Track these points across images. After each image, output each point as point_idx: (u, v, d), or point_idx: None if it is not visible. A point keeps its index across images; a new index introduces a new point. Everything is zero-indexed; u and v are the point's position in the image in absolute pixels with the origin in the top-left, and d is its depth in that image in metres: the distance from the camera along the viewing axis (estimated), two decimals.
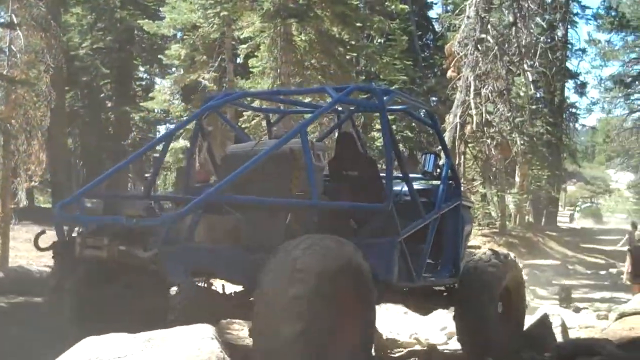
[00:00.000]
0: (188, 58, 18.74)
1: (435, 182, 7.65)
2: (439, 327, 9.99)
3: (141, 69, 33.61)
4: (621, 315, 9.07)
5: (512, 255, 8.61)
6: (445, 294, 7.65)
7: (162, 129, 40.57)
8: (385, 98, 6.64)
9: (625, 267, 16.14)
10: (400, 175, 7.01)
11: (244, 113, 18.85)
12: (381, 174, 6.63)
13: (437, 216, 7.07)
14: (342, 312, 5.06)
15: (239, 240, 5.66)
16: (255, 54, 19.42)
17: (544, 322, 9.03)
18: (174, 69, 24.93)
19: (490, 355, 7.15)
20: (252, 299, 4.98)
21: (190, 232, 5.45)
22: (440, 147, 8.56)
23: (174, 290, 6.55)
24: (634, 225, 17.80)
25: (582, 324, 10.99)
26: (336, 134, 8.07)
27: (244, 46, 18.79)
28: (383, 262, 6.12)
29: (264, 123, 9.30)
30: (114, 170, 7.16)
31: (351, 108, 7.56)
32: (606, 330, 8.95)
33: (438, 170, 7.62)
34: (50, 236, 5.63)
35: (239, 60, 23.51)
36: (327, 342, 4.86)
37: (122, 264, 5.38)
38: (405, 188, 6.85)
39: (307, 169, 5.78)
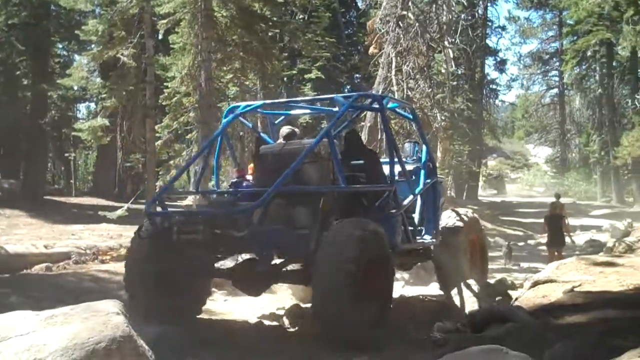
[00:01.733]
0: (106, 34, 18.26)
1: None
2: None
3: (59, 45, 32.64)
4: (535, 284, 9.27)
5: (471, 212, 11.46)
6: (421, 251, 9.67)
7: (81, 107, 39.79)
8: (384, 102, 8.89)
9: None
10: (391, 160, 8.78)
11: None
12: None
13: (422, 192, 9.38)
14: (374, 266, 7.03)
15: (287, 222, 7.59)
16: (176, 29, 19.10)
17: (459, 293, 9.28)
18: (93, 46, 24.30)
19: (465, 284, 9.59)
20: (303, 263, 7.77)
21: (263, 217, 7.51)
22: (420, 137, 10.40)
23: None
24: (557, 196, 18.36)
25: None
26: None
27: (164, 22, 18.43)
28: (390, 230, 8.03)
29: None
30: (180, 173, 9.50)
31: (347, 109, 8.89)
32: (520, 298, 9.16)
33: (418, 154, 9.92)
34: None
35: (159, 36, 23.14)
36: (367, 287, 6.77)
37: (213, 244, 7.56)
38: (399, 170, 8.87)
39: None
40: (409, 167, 9.44)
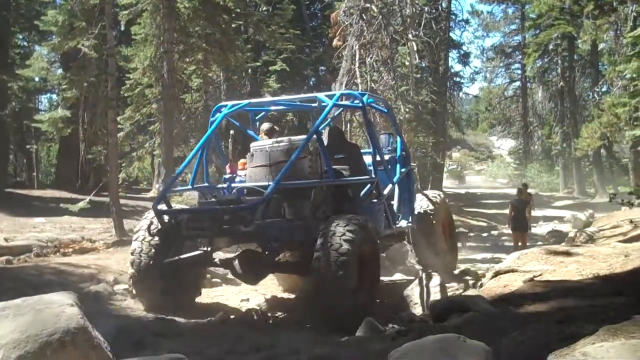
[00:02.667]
0: (66, 24, 17.96)
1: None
2: None
3: (19, 36, 32.14)
4: (496, 274, 9.39)
5: (441, 194, 12.51)
6: (395, 233, 10.38)
7: (43, 99, 39.24)
8: (364, 99, 9.70)
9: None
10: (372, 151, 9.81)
11: None
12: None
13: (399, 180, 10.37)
14: (366, 256, 7.90)
15: (282, 215, 8.38)
16: (138, 20, 18.91)
17: (420, 283, 9.34)
18: (53, 36, 23.93)
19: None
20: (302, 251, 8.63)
21: (265, 212, 8.22)
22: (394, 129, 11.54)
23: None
24: (525, 186, 18.67)
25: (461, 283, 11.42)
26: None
27: (125, 12, 18.21)
28: (374, 218, 8.95)
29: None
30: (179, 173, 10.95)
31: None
32: (482, 288, 9.25)
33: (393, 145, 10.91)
34: None
35: (121, 27, 22.88)
36: (360, 275, 7.67)
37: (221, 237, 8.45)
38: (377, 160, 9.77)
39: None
40: (386, 157, 10.29)
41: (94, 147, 21.75)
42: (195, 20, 19.49)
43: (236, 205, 8.41)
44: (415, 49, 25.59)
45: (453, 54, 42.09)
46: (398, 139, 10.80)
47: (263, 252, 8.36)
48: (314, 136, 8.82)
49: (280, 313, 9.55)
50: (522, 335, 4.64)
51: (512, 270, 9.20)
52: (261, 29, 24.35)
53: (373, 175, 9.46)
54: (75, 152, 26.10)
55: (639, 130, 19.13)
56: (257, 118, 11.17)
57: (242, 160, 10.12)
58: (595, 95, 40.63)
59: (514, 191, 21.61)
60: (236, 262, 8.74)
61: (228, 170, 10.12)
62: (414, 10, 23.33)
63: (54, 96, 34.34)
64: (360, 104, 9.74)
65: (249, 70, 30.34)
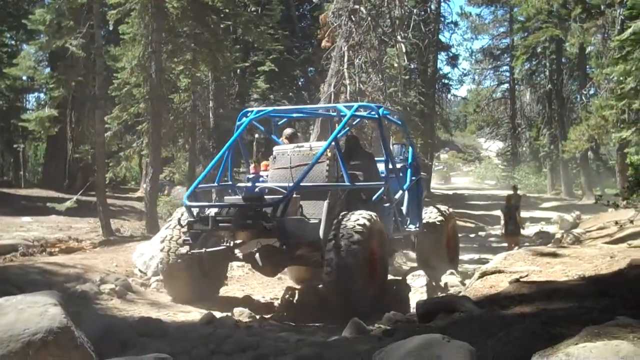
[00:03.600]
0: (54, 23, 17.86)
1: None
2: None
3: (7, 34, 31.97)
4: (483, 274, 9.39)
5: (450, 209, 13.52)
6: (403, 240, 11.52)
7: (31, 98, 39.02)
8: (380, 111, 10.73)
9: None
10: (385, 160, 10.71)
11: None
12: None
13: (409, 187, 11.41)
14: (375, 249, 9.03)
15: (300, 214, 9.30)
16: (126, 20, 18.82)
17: (407, 284, 9.36)
18: (42, 35, 23.81)
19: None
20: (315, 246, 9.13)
21: (285, 210, 8.87)
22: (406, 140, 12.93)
23: None
24: (515, 188, 18.79)
25: (447, 284, 11.46)
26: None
27: (114, 12, 18.12)
28: (385, 220, 9.85)
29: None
30: (206, 172, 10.91)
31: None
32: (468, 288, 9.26)
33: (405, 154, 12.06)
34: None
35: (110, 26, 22.78)
36: (371, 266, 8.77)
37: (245, 232, 9.17)
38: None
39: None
40: (397, 166, 11.28)
41: (82, 146, 21.66)
42: (183, 20, 19.45)
43: (259, 202, 9.16)
44: (404, 50, 25.69)
45: (442, 56, 42.26)
46: (410, 149, 11.99)
47: (281, 246, 9.06)
48: (332, 143, 9.83)
49: (266, 315, 9.57)
50: (507, 335, 4.66)
51: (499, 271, 9.19)
52: (250, 30, 24.29)
53: (384, 182, 10.39)
54: (62, 151, 26.03)
55: (626, 133, 19.22)
56: (279, 123, 12.34)
57: (264, 162, 11.08)
58: (583, 98, 40.80)
59: (502, 192, 21.67)
60: (257, 256, 9.68)
61: (252, 171, 11.05)
62: (403, 12, 23.39)
63: (42, 95, 34.17)
64: (376, 115, 10.67)
65: (238, 71, 30.28)
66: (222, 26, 22.63)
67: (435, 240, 12.14)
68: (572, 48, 39.22)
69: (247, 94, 31.36)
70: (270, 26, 27.06)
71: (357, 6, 20.81)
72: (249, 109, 11.43)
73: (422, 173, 12.78)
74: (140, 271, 12.27)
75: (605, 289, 6.88)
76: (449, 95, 47.34)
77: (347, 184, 9.72)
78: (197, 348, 6.37)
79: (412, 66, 34.51)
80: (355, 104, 11.31)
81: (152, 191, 18.32)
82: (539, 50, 42.73)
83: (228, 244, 9.75)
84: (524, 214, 22.15)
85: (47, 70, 23.80)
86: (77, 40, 17.04)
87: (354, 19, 20.71)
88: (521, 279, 8.19)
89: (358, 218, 8.76)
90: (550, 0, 32.48)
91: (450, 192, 46.40)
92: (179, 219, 9.60)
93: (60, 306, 3.94)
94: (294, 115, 13.03)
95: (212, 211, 9.21)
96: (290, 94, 33.52)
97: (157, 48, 18.00)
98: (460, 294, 8.39)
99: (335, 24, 20.92)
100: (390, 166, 10.69)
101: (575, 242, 17.33)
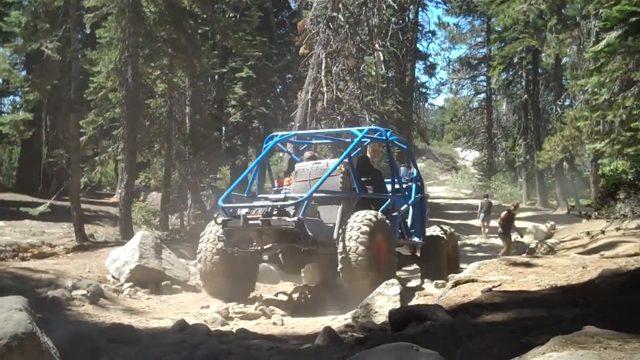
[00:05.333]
0: (30, 26, 17.69)
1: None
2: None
3: None
4: (456, 283, 9.43)
5: (452, 229, 14.97)
6: (410, 255, 13.26)
7: (6, 101, 38.67)
8: (387, 134, 12.71)
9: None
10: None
11: None
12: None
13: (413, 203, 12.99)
14: (381, 243, 10.81)
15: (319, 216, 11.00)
16: (103, 24, 18.69)
17: (379, 292, 9.38)
18: (17, 37, 23.56)
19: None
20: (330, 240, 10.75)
21: (304, 212, 10.45)
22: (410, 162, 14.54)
23: None
24: (486, 196, 19.42)
25: (422, 292, 11.46)
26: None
27: (90, 15, 17.99)
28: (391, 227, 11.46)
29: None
30: (237, 182, 13.35)
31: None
32: (442, 297, 9.29)
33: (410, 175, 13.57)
34: None
35: (86, 30, 22.60)
36: (377, 258, 10.56)
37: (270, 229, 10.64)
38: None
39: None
40: (403, 185, 12.88)
41: (56, 150, 21.47)
42: (160, 25, 19.36)
43: (283, 202, 10.94)
44: (381, 59, 25.76)
45: (419, 64, 42.55)
46: (414, 170, 13.76)
47: (300, 246, 10.72)
48: (345, 159, 11.59)
49: (240, 321, 9.55)
50: (476, 344, 4.69)
51: (472, 280, 9.24)
52: (228, 36, 24.26)
53: (391, 194, 12.23)
54: (37, 155, 25.79)
55: (599, 144, 19.36)
56: (301, 148, 14.57)
57: (287, 178, 13.18)
58: (558, 109, 41.10)
59: (477, 202, 21.84)
60: (280, 256, 11.80)
61: (276, 184, 13.38)
62: (381, 20, 23.52)
63: (17, 98, 33.86)
64: (384, 137, 12.70)
65: (215, 77, 30.24)
66: (199, 32, 22.60)
67: (436, 254, 13.20)
68: (548, 59, 39.57)
69: (225, 100, 31.31)
70: (249, 32, 27.05)
71: (335, 14, 20.88)
72: (275, 133, 13.41)
73: (426, 193, 14.63)
74: (113, 277, 12.20)
75: (576, 299, 6.95)
76: (426, 104, 47.68)
77: (358, 192, 11.57)
78: (169, 355, 6.33)
79: (390, 74, 34.65)
80: (366, 128, 13.66)
81: (127, 196, 18.21)
82: (515, 60, 43.00)
83: (257, 248, 11.03)
84: (493, 222, 22.44)
85: (23, 73, 23.59)
86: (53, 44, 16.91)
87: (332, 26, 20.78)
88: (494, 288, 8.24)
89: (365, 214, 10.62)
90: (527, 11, 32.75)
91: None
92: (215, 218, 11.15)
93: (27, 311, 3.89)
94: (313, 140, 15.09)
95: (243, 211, 10.87)
96: (268, 100, 33.55)
97: (134, 52, 17.91)
98: (433, 303, 8.41)
99: (313, 31, 20.97)
100: (396, 181, 12.46)
101: (549, 252, 17.49)
